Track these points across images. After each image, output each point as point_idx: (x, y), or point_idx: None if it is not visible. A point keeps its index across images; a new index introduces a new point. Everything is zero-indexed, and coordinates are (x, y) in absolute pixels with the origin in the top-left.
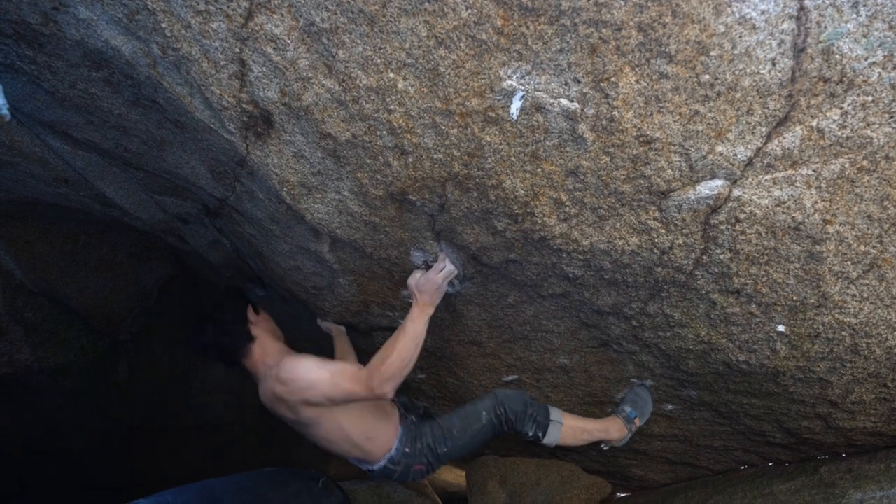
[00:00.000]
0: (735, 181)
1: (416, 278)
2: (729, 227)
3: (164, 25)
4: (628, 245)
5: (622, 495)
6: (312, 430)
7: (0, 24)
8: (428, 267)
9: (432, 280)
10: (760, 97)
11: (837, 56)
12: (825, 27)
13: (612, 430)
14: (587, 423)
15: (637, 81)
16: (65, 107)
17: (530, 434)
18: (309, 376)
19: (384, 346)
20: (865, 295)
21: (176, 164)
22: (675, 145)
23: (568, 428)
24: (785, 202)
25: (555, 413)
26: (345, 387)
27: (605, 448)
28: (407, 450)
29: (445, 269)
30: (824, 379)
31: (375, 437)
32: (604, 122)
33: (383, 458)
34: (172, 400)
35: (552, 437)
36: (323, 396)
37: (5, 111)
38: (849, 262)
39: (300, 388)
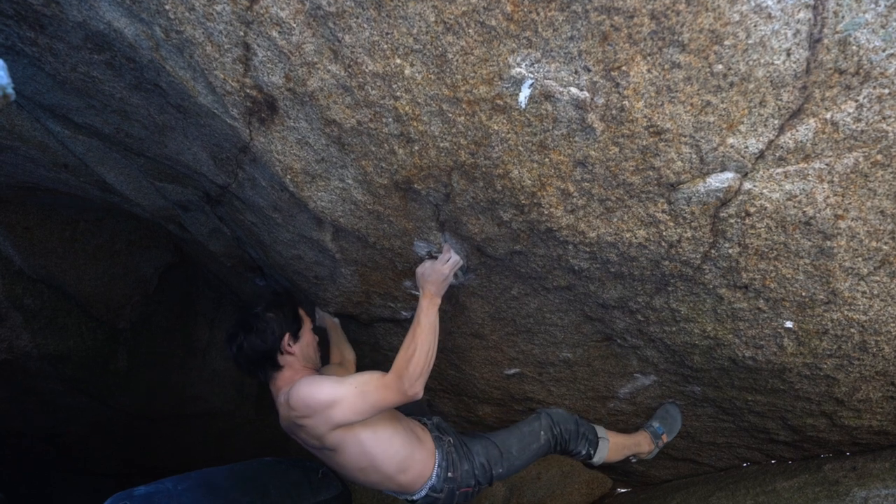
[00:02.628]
0: (746, 174)
1: (423, 268)
2: (738, 220)
3: (167, 7)
4: (636, 238)
5: (623, 490)
6: (339, 456)
7: (1, 4)
8: (432, 257)
9: (439, 271)
10: (774, 88)
11: (854, 47)
12: (842, 17)
13: (643, 444)
14: (624, 439)
15: (648, 71)
16: (65, 90)
17: (583, 453)
18: (333, 394)
19: (404, 346)
20: (876, 292)
21: (177, 150)
22: (685, 136)
23: (613, 444)
24: (796, 196)
25: (600, 430)
26: (375, 396)
27: (633, 461)
28: (450, 474)
29: (451, 260)
30: (831, 376)
31: (409, 467)
32: (613, 112)
33: (423, 488)
34: (171, 389)
35: (601, 455)
36: (352, 412)
37: (11, 90)
38: (860, 258)
39: (323, 409)
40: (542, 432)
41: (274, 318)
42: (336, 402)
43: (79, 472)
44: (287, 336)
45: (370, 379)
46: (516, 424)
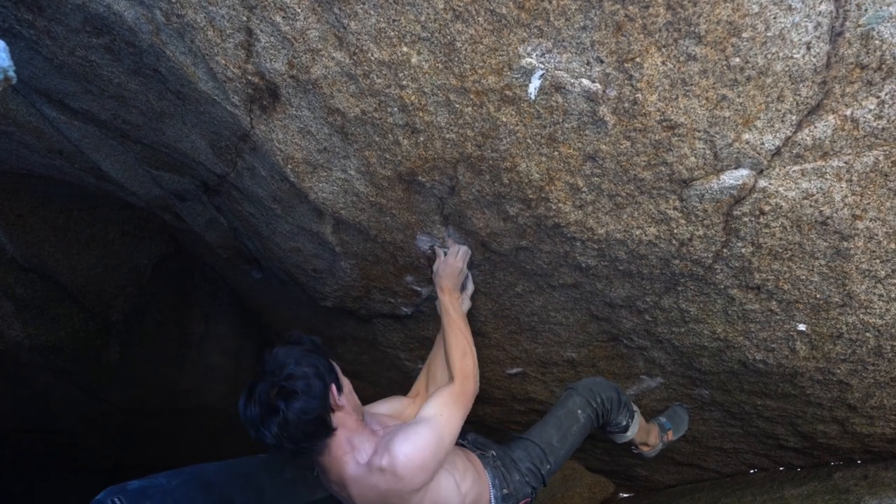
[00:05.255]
0: (761, 171)
1: (436, 266)
2: (752, 219)
3: None
4: (646, 235)
5: (625, 496)
6: None
7: None
8: (433, 252)
9: (452, 265)
10: (792, 83)
11: (877, 41)
12: (865, 10)
13: (652, 434)
14: (643, 421)
15: (663, 63)
16: (63, 74)
17: (623, 423)
18: (435, 441)
19: (453, 347)
20: (893, 295)
21: (175, 138)
22: (699, 132)
23: (641, 422)
24: (813, 195)
25: (631, 404)
26: (460, 413)
27: (634, 451)
28: (505, 491)
29: (462, 251)
30: (844, 381)
31: (477, 499)
32: (626, 105)
33: None
34: (165, 383)
35: (635, 429)
36: (451, 444)
37: (12, 72)
38: (877, 260)
39: (431, 464)
40: (578, 411)
41: (312, 372)
42: (440, 441)
43: (70, 466)
44: (333, 388)
45: (445, 399)
46: (550, 411)
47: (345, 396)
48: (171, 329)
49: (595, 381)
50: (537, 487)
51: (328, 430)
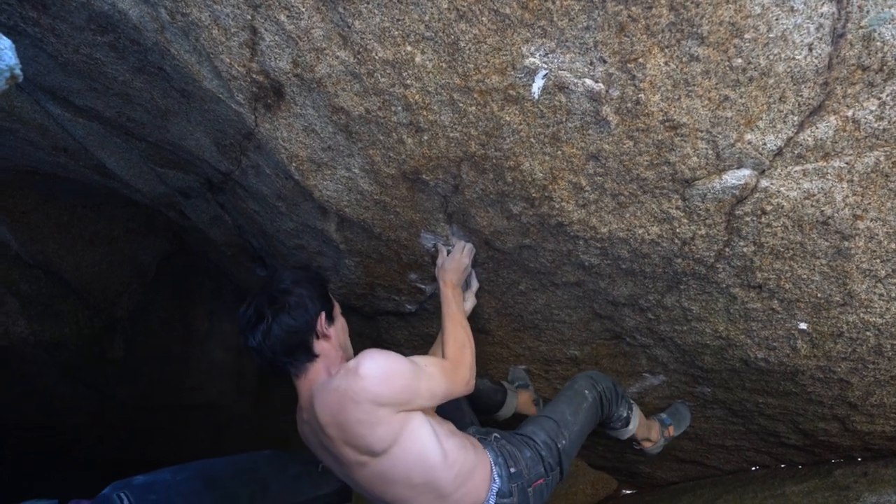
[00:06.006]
0: (763, 171)
1: (441, 261)
2: (754, 218)
3: None
4: (648, 234)
5: (628, 492)
6: (385, 464)
7: None
8: (437, 250)
9: (458, 260)
10: (794, 84)
11: (879, 43)
12: (867, 12)
13: (653, 430)
14: (643, 416)
15: (666, 63)
16: (67, 72)
17: (624, 415)
18: (409, 366)
19: (450, 336)
20: (893, 295)
21: (180, 136)
22: (702, 132)
23: (640, 415)
24: (814, 195)
25: (627, 395)
26: (447, 381)
27: (636, 447)
28: (513, 469)
29: (467, 247)
30: (845, 380)
31: (468, 478)
32: (629, 105)
33: (489, 497)
34: (169, 379)
35: (635, 422)
36: (428, 391)
37: (18, 70)
38: (878, 260)
39: (398, 382)
40: (585, 391)
41: (306, 294)
42: (416, 376)
43: (73, 462)
44: (322, 316)
45: (436, 362)
46: (557, 395)
47: (334, 329)
48: (176, 326)
49: (595, 373)
50: (553, 467)
51: (309, 352)
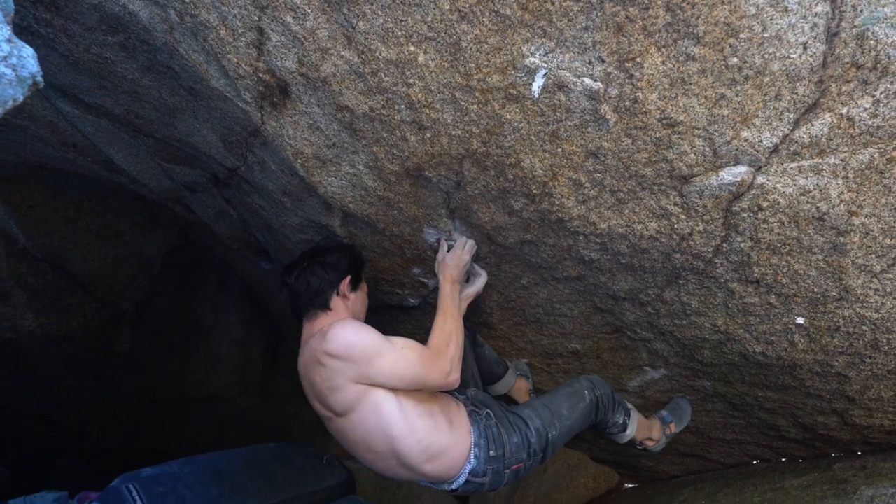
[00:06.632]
0: (759, 168)
1: (441, 256)
2: (751, 214)
3: None
4: (647, 230)
5: (630, 486)
6: (346, 424)
7: None
8: (440, 245)
9: (459, 256)
10: (789, 82)
11: (872, 42)
12: (861, 11)
13: (654, 429)
14: (642, 418)
15: (663, 63)
16: (78, 70)
17: (620, 422)
18: (378, 344)
19: (438, 327)
20: (889, 289)
21: (187, 133)
22: (699, 129)
23: (638, 418)
24: (810, 191)
25: (625, 402)
26: (418, 367)
27: (639, 448)
28: (492, 453)
29: (468, 244)
30: (842, 374)
31: (438, 455)
32: (627, 104)
33: (461, 474)
34: (174, 372)
35: (633, 427)
36: (390, 372)
37: (40, 77)
38: (873, 255)
39: (361, 354)
40: (585, 391)
41: (341, 257)
42: (379, 353)
43: (81, 453)
44: (348, 279)
45: (414, 346)
46: (557, 388)
47: (354, 294)
48: (181, 319)
49: (595, 377)
50: (537, 453)
51: (325, 303)
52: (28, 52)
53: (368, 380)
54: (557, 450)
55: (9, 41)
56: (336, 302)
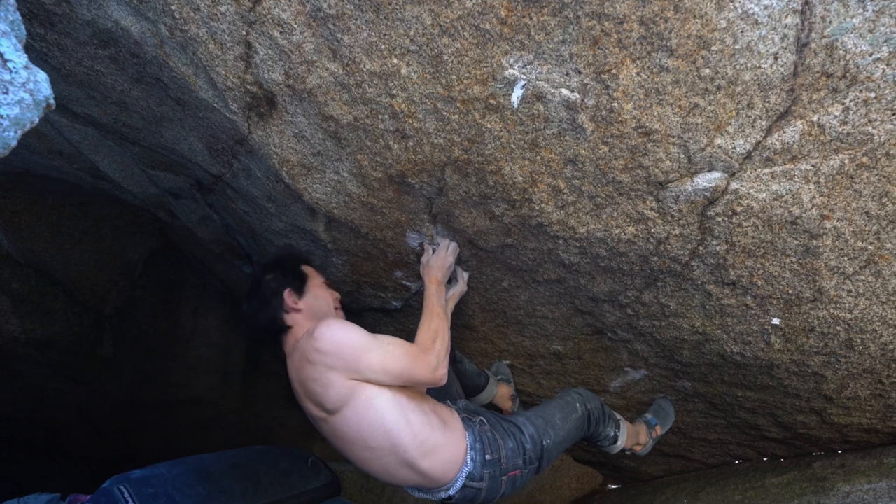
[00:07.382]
0: (733, 174)
1: (426, 258)
2: (726, 219)
3: (173, 7)
4: (625, 234)
5: (613, 486)
6: (341, 422)
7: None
8: (423, 249)
9: (443, 258)
10: (761, 91)
11: (841, 51)
12: (830, 22)
13: (641, 434)
14: (629, 426)
15: (638, 74)
16: (68, 82)
17: (611, 435)
18: (364, 341)
19: (425, 325)
20: (861, 291)
21: (173, 140)
22: (673, 137)
23: (627, 428)
24: (783, 196)
25: (614, 414)
26: (404, 362)
27: (628, 454)
28: (488, 457)
29: (451, 246)
30: (819, 373)
31: (434, 450)
32: (603, 113)
33: (457, 478)
34: (156, 375)
35: (623, 438)
36: (379, 366)
37: (52, 100)
38: (845, 258)
39: (349, 350)
40: (577, 404)
41: (273, 277)
42: (367, 349)
43: (66, 458)
44: (288, 292)
45: (400, 342)
46: (548, 401)
47: (304, 299)
48: (163, 323)
49: (585, 391)
50: (532, 461)
51: (283, 328)
52: (42, 76)
53: (359, 375)
54: (553, 460)
55: (26, 68)
56: (291, 318)
